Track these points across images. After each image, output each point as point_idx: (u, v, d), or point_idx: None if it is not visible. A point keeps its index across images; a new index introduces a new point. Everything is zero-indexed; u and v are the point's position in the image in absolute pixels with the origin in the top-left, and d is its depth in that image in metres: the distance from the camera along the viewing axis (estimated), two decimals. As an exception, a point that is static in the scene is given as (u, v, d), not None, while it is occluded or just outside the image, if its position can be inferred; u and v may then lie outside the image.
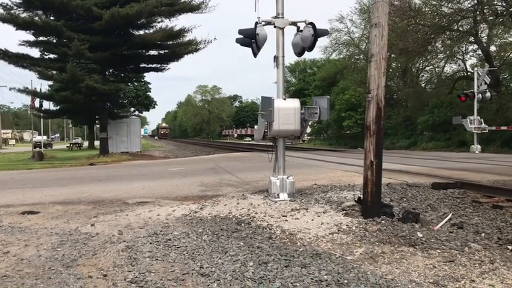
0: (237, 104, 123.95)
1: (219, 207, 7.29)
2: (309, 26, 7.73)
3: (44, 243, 5.32)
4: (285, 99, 7.91)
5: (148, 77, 69.19)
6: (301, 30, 7.94)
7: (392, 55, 35.49)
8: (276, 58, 7.95)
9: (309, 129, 49.40)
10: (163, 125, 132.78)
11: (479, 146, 23.20)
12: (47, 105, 36.67)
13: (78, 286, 3.89)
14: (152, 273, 4.17)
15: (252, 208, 7.04)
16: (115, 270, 4.30)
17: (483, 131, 23.44)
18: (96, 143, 44.72)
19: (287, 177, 7.86)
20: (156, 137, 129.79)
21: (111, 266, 4.41)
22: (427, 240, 5.15)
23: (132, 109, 60.36)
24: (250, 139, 74.01)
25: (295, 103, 7.80)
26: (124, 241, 5.33)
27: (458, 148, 26.56)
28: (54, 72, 29.81)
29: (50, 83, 36.20)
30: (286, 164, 8.21)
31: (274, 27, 7.89)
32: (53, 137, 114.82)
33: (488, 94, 23.26)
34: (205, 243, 5.19)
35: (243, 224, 6.10)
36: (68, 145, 51.09)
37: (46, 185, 11.34)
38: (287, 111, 7.65)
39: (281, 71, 7.97)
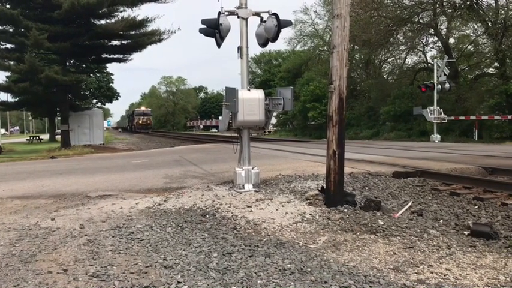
0: (202, 95, 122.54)
1: (184, 199, 7.24)
2: (273, 16, 7.74)
3: (1, 239, 5.16)
4: (249, 90, 7.91)
5: (111, 67, 67.92)
6: (265, 21, 7.93)
7: (356, 47, 36.00)
8: (239, 49, 7.93)
9: (274, 120, 49.68)
10: (143, 109, 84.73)
11: (438, 136, 23.87)
12: (5, 96, 35.52)
13: (37, 282, 3.79)
14: (114, 267, 4.11)
15: (216, 199, 7.03)
16: (76, 264, 4.21)
17: (442, 121, 24.11)
18: (58, 136, 43.51)
19: (252, 168, 7.89)
20: (120, 130, 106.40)
21: (72, 261, 4.32)
22: (388, 228, 5.28)
23: (95, 101, 58.90)
24: (216, 130, 73.33)
25: (259, 94, 7.82)
26: (85, 235, 5.23)
27: (419, 138, 27.24)
28: (12, 62, 28.75)
29: (8, 73, 34.93)
30: (252, 155, 8.23)
31: (238, 17, 7.86)
32: (12, 130, 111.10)
33: (447, 85, 23.91)
34: (169, 235, 5.15)
35: (207, 216, 6.08)
36: (28, 138, 49.50)
37: (4, 180, 10.97)
38: (251, 102, 7.66)
39: (245, 62, 7.96)
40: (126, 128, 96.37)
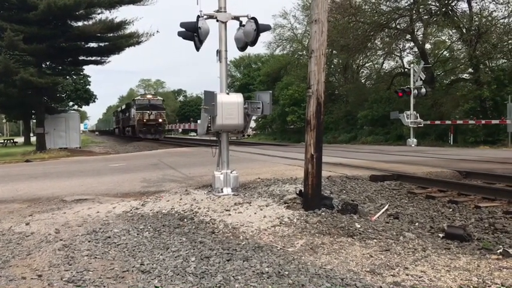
0: (181, 98, 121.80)
1: (162, 203, 7.20)
2: (251, 20, 7.77)
3: (-27, 245, 5.04)
4: (228, 93, 7.93)
5: (88, 70, 66.56)
6: (244, 25, 7.95)
7: (334, 51, 36.36)
8: (218, 52, 7.93)
9: (253, 124, 49.80)
10: (149, 97, 50.64)
11: (415, 140, 24.23)
12: (-22, 99, 34.57)
13: (10, 288, 3.73)
14: (90, 272, 4.06)
15: (195, 203, 7.01)
16: (51, 270, 4.15)
17: (419, 125, 24.50)
18: (33, 138, 42.76)
19: (231, 172, 7.88)
20: (97, 133, 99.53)
21: (47, 266, 4.25)
22: (365, 231, 5.34)
23: (71, 103, 58.06)
24: (195, 134, 72.97)
25: (238, 98, 7.83)
26: (61, 240, 5.15)
27: (395, 142, 27.62)
28: (-15, 64, 28.13)
29: (-20, 75, 34.11)
30: (231, 158, 8.23)
31: (217, 21, 7.87)
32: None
33: (423, 90, 24.32)
34: (146, 239, 5.11)
35: (185, 220, 6.06)
36: (2, 141, 48.46)
37: (-24, 184, 10.72)
38: (230, 106, 7.67)
39: (224, 66, 7.97)
40: (113, 132, 70.58)
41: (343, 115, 37.22)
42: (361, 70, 42.36)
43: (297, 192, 7.02)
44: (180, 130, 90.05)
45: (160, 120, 46.80)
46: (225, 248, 4.70)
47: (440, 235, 5.23)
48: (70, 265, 4.26)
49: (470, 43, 25.18)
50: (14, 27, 24.94)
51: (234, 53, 72.72)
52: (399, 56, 35.05)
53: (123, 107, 59.67)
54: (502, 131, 23.11)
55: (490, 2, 25.76)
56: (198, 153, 18.86)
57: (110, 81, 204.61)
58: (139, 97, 51.26)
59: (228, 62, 8.18)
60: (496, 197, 6.96)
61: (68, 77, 43.84)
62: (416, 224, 5.83)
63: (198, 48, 7.97)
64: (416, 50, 31.27)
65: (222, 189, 7.74)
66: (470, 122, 24.15)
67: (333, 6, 28.94)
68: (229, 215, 6.27)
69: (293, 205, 6.59)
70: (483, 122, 23.45)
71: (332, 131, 36.41)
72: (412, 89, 24.21)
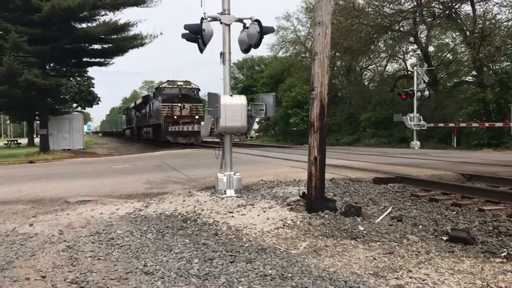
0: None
1: (165, 204, 7.20)
2: (255, 23, 7.79)
3: (-22, 246, 5.05)
4: (231, 95, 7.94)
5: (92, 72, 66.57)
6: (247, 27, 7.98)
7: (337, 54, 36.33)
8: (222, 54, 7.95)
9: (256, 126, 49.72)
10: (180, 83, 33.40)
11: (418, 142, 24.19)
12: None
13: (14, 289, 3.74)
14: (94, 273, 4.06)
15: (198, 205, 7.01)
16: (54, 271, 4.16)
17: (422, 128, 24.45)
18: (36, 140, 42.88)
19: (234, 174, 7.89)
20: (100, 134, 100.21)
21: (51, 267, 4.26)
22: (368, 233, 5.33)
23: (75, 105, 58.16)
24: (198, 135, 72.78)
25: (241, 100, 7.85)
26: (65, 241, 5.16)
27: (399, 144, 27.55)
28: (-11, 66, 28.24)
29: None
30: (234, 160, 8.24)
31: (221, 23, 7.89)
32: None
33: (426, 92, 24.31)
34: (149, 241, 5.12)
35: (188, 221, 6.06)
36: (6, 142, 48.59)
37: (-20, 184, 10.74)
38: (234, 108, 7.69)
39: (227, 68, 7.98)
40: (122, 133, 61.18)
41: (346, 117, 37.17)
42: (365, 72, 42.35)
43: (300, 194, 7.02)
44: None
45: (197, 117, 32.54)
46: (228, 250, 4.70)
47: (444, 238, 5.22)
48: (74, 266, 4.27)
49: (474, 46, 25.12)
50: (19, 28, 25.07)
51: (237, 55, 72.74)
52: (402, 59, 35.00)
53: (139, 101, 46.59)
54: (505, 134, 23.04)
55: (494, 5, 25.71)
56: (200, 155, 18.87)
57: (113, 82, 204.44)
58: (165, 84, 35.28)
59: (231, 64, 8.20)
60: (500, 200, 6.94)
61: (71, 78, 43.95)
62: (420, 226, 5.82)
63: (201, 51, 7.99)
64: (419, 52, 31.22)
65: (225, 191, 7.75)
66: (474, 124, 24.10)
67: (336, 9, 28.96)
68: (233, 216, 6.28)
69: (296, 207, 6.59)
70: (487, 124, 23.38)
71: (335, 133, 36.35)
72: (415, 92, 24.19)
